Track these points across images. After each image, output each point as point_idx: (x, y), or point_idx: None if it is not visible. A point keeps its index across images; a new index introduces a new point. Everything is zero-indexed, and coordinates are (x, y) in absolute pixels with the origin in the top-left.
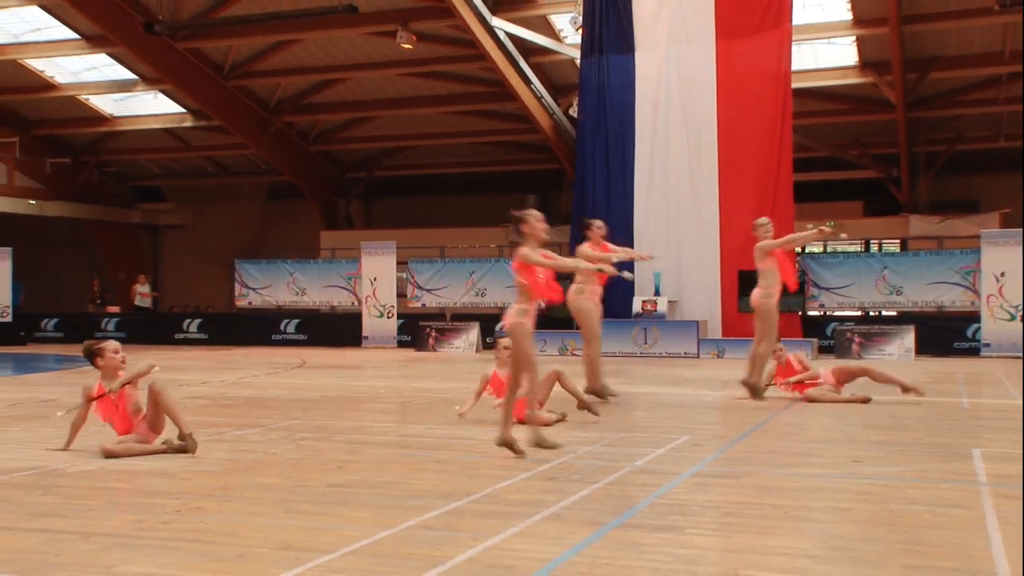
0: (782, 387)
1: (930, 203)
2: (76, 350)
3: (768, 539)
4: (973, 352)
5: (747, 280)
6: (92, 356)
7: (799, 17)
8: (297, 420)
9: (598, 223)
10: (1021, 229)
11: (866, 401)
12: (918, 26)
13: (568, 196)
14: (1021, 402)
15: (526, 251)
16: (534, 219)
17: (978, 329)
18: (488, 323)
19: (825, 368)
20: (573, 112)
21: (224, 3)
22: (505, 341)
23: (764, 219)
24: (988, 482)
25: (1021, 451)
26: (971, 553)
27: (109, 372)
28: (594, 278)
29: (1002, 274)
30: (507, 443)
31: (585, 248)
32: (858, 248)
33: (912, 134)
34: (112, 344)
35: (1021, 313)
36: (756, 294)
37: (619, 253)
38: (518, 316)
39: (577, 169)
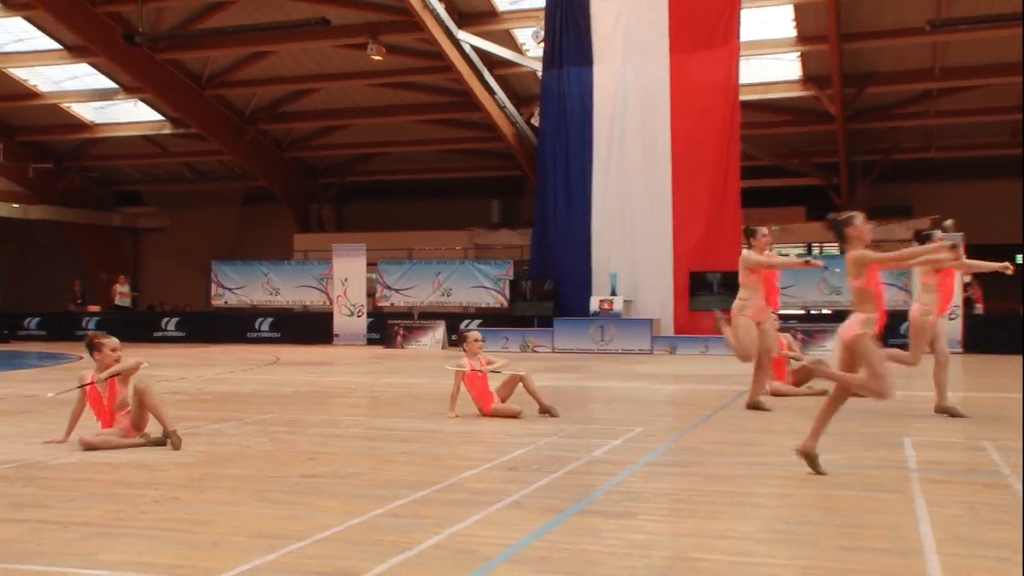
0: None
1: (868, 209)
2: (58, 348)
3: (715, 523)
4: (905, 347)
5: (698, 281)
6: (91, 348)
7: (747, 34)
8: (271, 414)
9: (763, 230)
10: (959, 234)
11: (823, 394)
12: (856, 43)
13: (529, 202)
14: (1021, 400)
15: (864, 253)
16: (860, 220)
17: (909, 325)
18: (453, 322)
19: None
20: (535, 121)
21: (202, 16)
22: (474, 334)
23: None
24: (917, 468)
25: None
26: (901, 534)
27: (103, 366)
28: (763, 292)
29: None
30: (807, 456)
31: (752, 254)
32: (801, 251)
33: (851, 144)
34: (112, 342)
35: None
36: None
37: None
38: (864, 327)
39: (538, 176)
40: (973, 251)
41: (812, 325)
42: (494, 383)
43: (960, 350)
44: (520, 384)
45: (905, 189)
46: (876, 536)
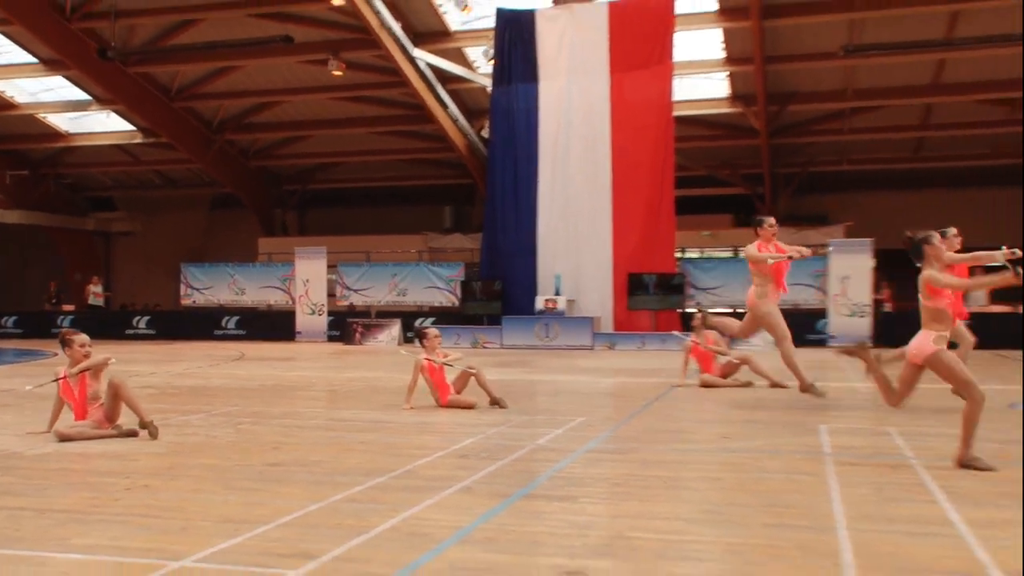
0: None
1: (788, 216)
2: (34, 345)
3: (650, 506)
4: (821, 343)
5: (635, 282)
6: (63, 344)
7: (680, 55)
8: (236, 407)
9: (770, 220)
10: (869, 239)
11: (749, 385)
12: (778, 65)
13: (480, 208)
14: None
15: (935, 276)
16: (937, 240)
17: (825, 323)
18: (409, 320)
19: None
20: (485, 133)
21: (172, 32)
22: (434, 331)
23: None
24: (832, 453)
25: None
26: (817, 513)
27: (74, 362)
28: (773, 279)
29: (846, 277)
30: (969, 464)
31: (752, 248)
32: (728, 254)
33: (773, 158)
34: (82, 338)
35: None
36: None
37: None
38: (937, 343)
39: (488, 184)
40: (882, 256)
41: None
42: (450, 376)
43: (869, 344)
44: (473, 378)
45: (821, 199)
46: (795, 514)
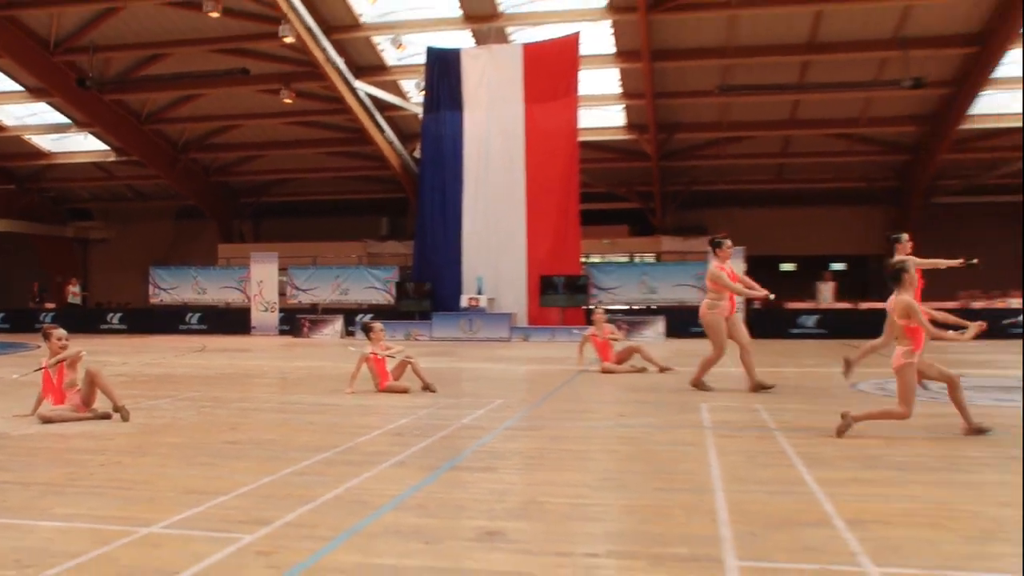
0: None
1: (675, 227)
2: (19, 339)
3: (559, 475)
4: (702, 335)
5: (546, 283)
6: (45, 337)
7: (584, 89)
8: (199, 392)
9: (728, 242)
10: (741, 247)
11: (643, 371)
12: (666, 100)
13: (412, 219)
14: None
15: (913, 307)
16: (912, 266)
17: None
18: (350, 316)
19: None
20: (416, 154)
21: (143, 64)
22: (379, 325)
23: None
24: (711, 427)
25: (795, 409)
26: (699, 477)
27: (52, 353)
28: (727, 295)
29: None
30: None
31: (715, 268)
32: (625, 259)
33: (662, 178)
34: (60, 332)
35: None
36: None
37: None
38: (907, 358)
39: (419, 198)
40: (750, 262)
41: (633, 317)
42: (390, 365)
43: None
44: (409, 366)
45: (701, 213)
46: (680, 479)
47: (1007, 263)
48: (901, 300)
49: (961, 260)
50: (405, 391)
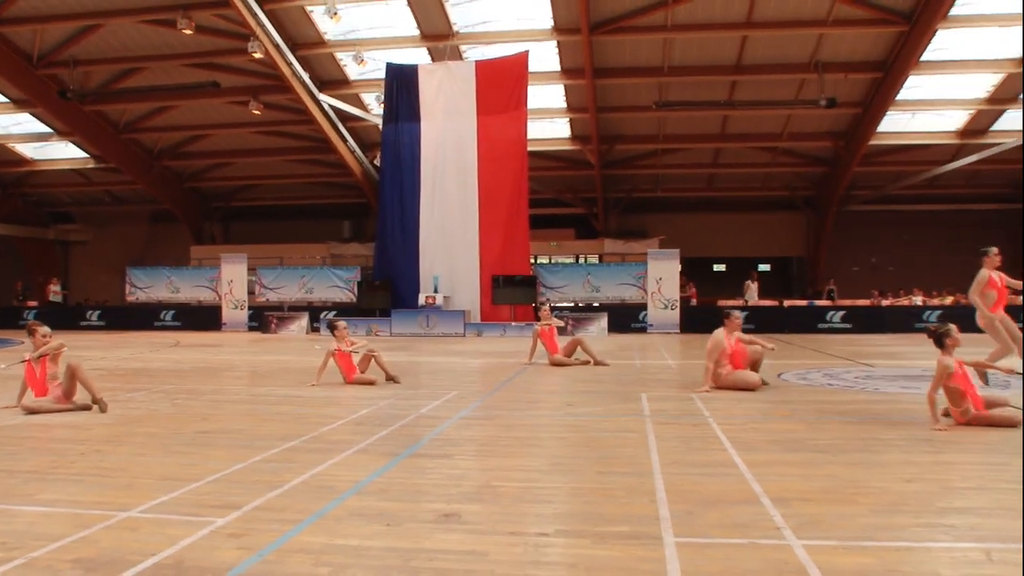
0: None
1: (617, 231)
2: (3, 335)
3: (511, 460)
4: (642, 330)
5: (498, 282)
6: (29, 333)
7: (532, 103)
8: (173, 385)
9: (737, 314)
10: (677, 250)
11: (588, 363)
12: (608, 115)
13: (373, 222)
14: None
15: (949, 367)
16: (955, 331)
17: (646, 314)
18: (315, 313)
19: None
20: (377, 162)
21: (120, 77)
22: (343, 323)
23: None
24: (650, 415)
25: (729, 396)
26: (639, 461)
27: (36, 347)
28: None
29: (660, 278)
30: None
31: (721, 340)
32: (571, 261)
33: (605, 185)
34: (44, 329)
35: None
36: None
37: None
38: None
39: (379, 203)
40: (686, 262)
41: (578, 314)
42: (355, 359)
43: (678, 331)
44: (373, 359)
45: (641, 218)
46: (623, 463)
47: (911, 265)
48: (941, 362)
49: None
50: (372, 383)
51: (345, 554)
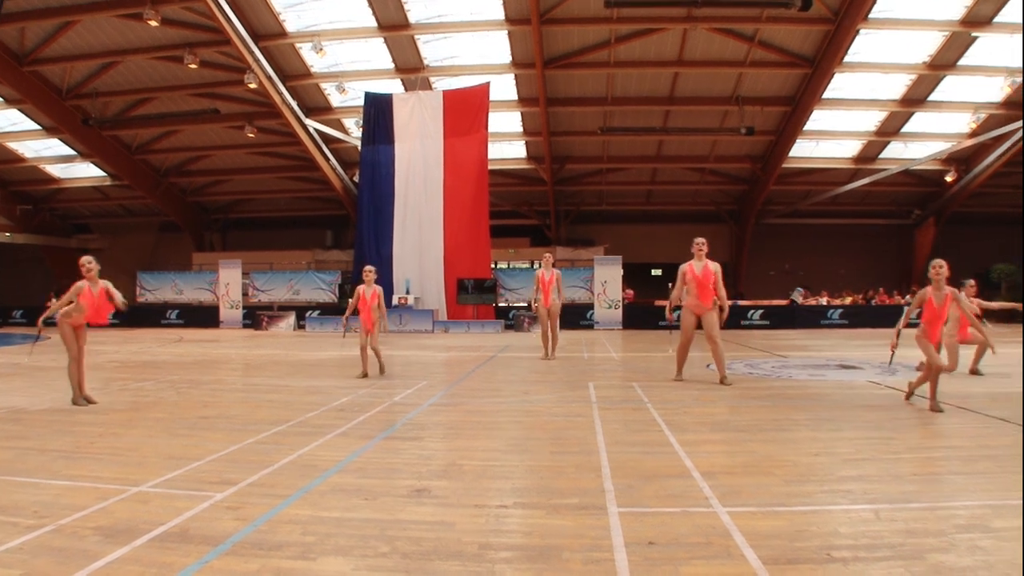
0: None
1: (567, 239)
2: (33, 331)
3: (474, 442)
4: (589, 327)
5: (462, 285)
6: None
7: (493, 127)
8: (177, 376)
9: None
10: (619, 256)
11: (548, 358)
12: (559, 138)
13: (352, 232)
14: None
15: (924, 290)
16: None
17: (592, 313)
18: (301, 312)
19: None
20: (356, 179)
21: (134, 107)
22: (371, 268)
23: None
24: (596, 401)
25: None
26: (586, 442)
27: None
28: (695, 292)
29: (605, 282)
30: None
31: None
32: (527, 266)
33: (557, 199)
34: (86, 258)
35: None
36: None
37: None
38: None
39: (357, 215)
40: (627, 268)
41: (533, 313)
42: (375, 315)
43: (621, 327)
44: (377, 338)
45: (588, 228)
46: (573, 444)
47: (818, 270)
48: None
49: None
50: (364, 376)
51: (328, 525)
